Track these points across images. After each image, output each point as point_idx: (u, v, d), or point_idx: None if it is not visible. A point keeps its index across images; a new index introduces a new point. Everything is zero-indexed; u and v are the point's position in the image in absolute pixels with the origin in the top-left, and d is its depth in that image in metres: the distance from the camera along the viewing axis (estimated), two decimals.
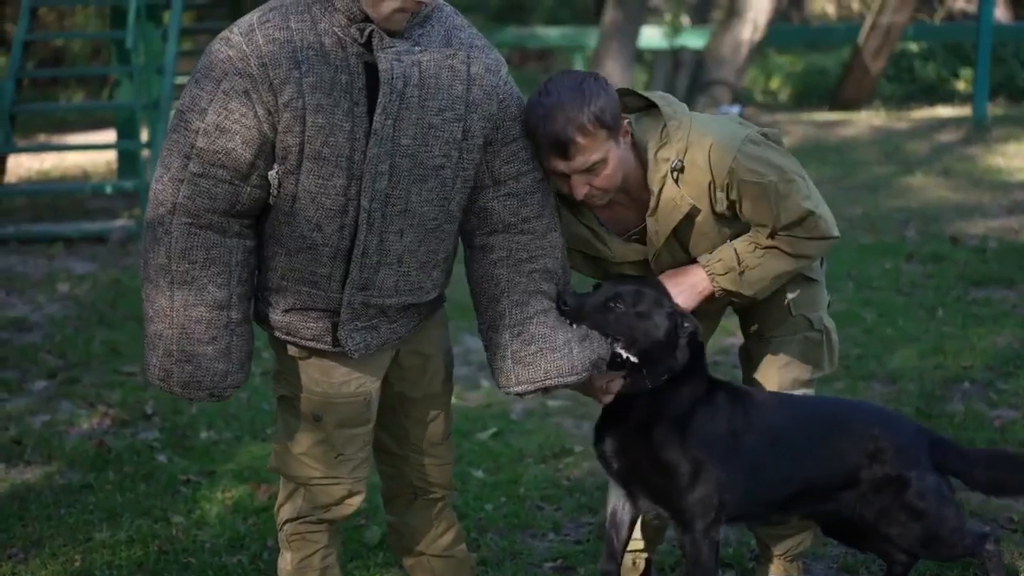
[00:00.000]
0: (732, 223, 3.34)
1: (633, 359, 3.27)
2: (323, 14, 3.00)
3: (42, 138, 14.40)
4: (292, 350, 3.24)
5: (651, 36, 15.68)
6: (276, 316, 3.19)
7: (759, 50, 14.86)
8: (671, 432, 3.33)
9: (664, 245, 3.35)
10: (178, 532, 4.35)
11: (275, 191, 3.05)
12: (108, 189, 10.14)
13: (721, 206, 3.28)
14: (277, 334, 3.21)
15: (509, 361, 3.24)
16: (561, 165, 3.16)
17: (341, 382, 3.24)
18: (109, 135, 12.92)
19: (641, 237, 3.37)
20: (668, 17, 16.37)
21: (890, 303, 7.10)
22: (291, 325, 3.18)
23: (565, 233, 3.32)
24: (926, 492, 3.41)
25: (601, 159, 3.15)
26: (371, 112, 3.01)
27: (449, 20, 3.12)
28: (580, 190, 3.19)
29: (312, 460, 3.30)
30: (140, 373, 6.09)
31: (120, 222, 9.71)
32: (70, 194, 10.86)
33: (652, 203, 3.27)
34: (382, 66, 2.98)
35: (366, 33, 2.98)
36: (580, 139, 3.11)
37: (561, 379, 3.21)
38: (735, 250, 3.30)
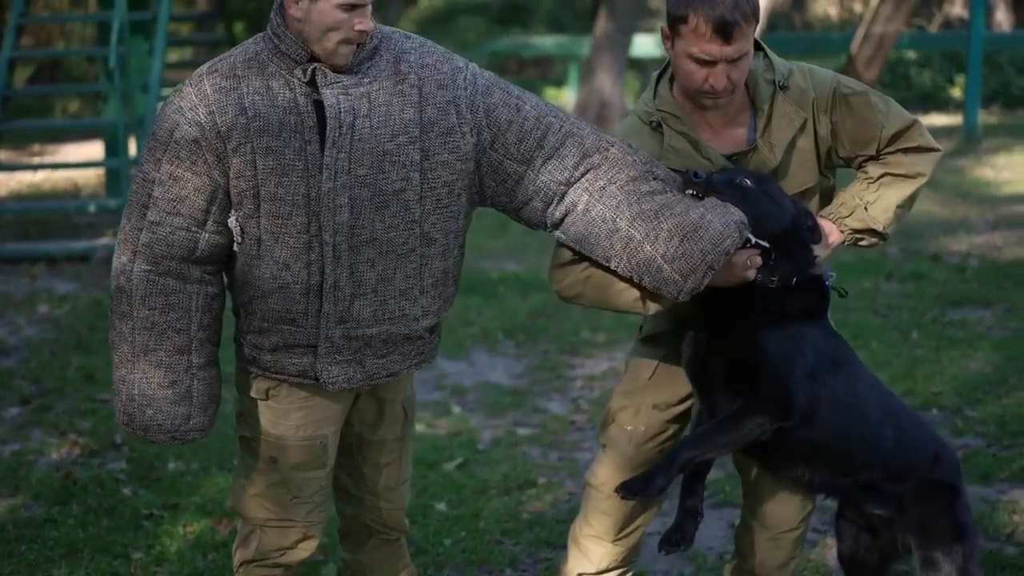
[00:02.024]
0: (826, 170, 3.38)
1: (762, 243, 3.19)
2: (270, 59, 3.10)
3: (36, 148, 14.43)
4: (252, 391, 3.28)
5: (644, 45, 15.68)
6: (264, 357, 3.23)
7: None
8: (775, 322, 3.27)
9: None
10: (136, 569, 4.37)
11: (239, 238, 3.12)
12: (92, 208, 10.14)
13: (824, 129, 3.31)
14: (266, 375, 3.25)
15: (665, 267, 3.11)
16: (716, 50, 3.14)
17: (297, 425, 3.27)
18: (101, 147, 12.95)
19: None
20: (662, 26, 16.30)
21: (865, 324, 7.11)
22: (278, 363, 3.22)
23: (661, 149, 3.30)
24: (969, 510, 3.45)
25: (747, 51, 3.19)
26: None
27: (398, 46, 3.17)
28: (722, 80, 3.18)
29: (267, 501, 3.33)
30: (111, 401, 6.10)
31: (104, 241, 9.72)
32: (57, 210, 10.88)
33: (762, 123, 3.30)
34: (327, 102, 3.05)
35: (309, 72, 3.06)
36: (743, 24, 3.13)
37: (717, 248, 3.07)
38: (851, 193, 3.35)
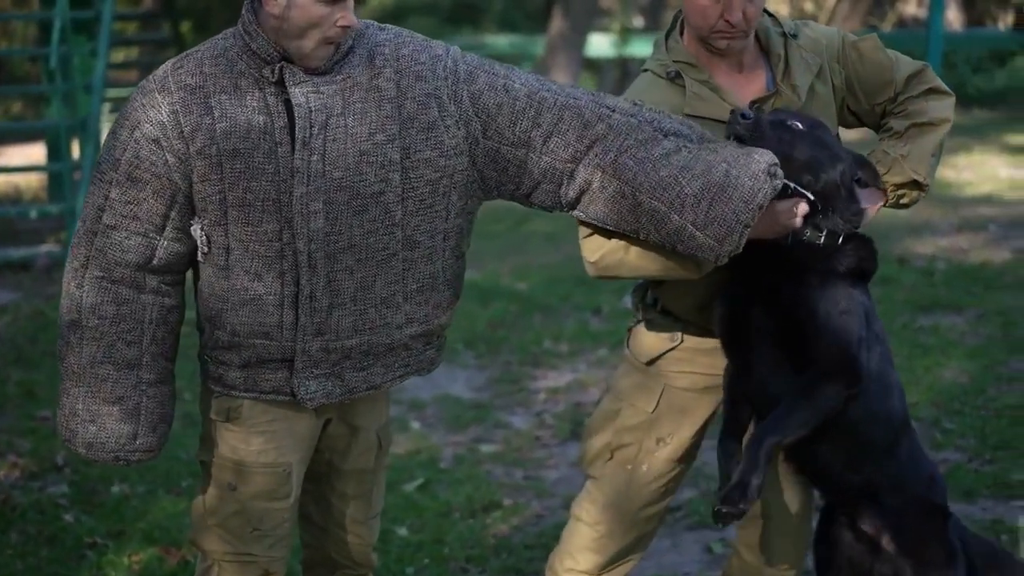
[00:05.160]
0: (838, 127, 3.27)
1: (802, 191, 2.95)
2: (239, 57, 2.92)
3: None
4: (213, 412, 3.07)
5: (599, 45, 15.53)
6: (233, 373, 3.03)
7: None
8: (826, 279, 3.05)
9: None
10: None
11: (205, 247, 2.94)
12: (33, 213, 9.82)
13: (838, 79, 3.22)
14: (231, 393, 3.04)
15: (698, 235, 2.89)
16: None
17: (259, 450, 3.05)
18: (44, 150, 12.65)
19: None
20: (615, 26, 16.21)
21: None
22: (250, 380, 3.02)
23: (684, 99, 3.14)
24: (955, 534, 3.29)
25: None
26: None
27: (371, 39, 2.98)
28: (737, 13, 3.04)
29: (225, 532, 3.11)
30: (54, 419, 5.84)
31: (46, 247, 9.42)
32: None
33: (780, 68, 3.18)
34: (295, 101, 2.88)
35: (276, 71, 2.88)
36: None
37: (750, 206, 2.84)
38: (882, 150, 3.23)
